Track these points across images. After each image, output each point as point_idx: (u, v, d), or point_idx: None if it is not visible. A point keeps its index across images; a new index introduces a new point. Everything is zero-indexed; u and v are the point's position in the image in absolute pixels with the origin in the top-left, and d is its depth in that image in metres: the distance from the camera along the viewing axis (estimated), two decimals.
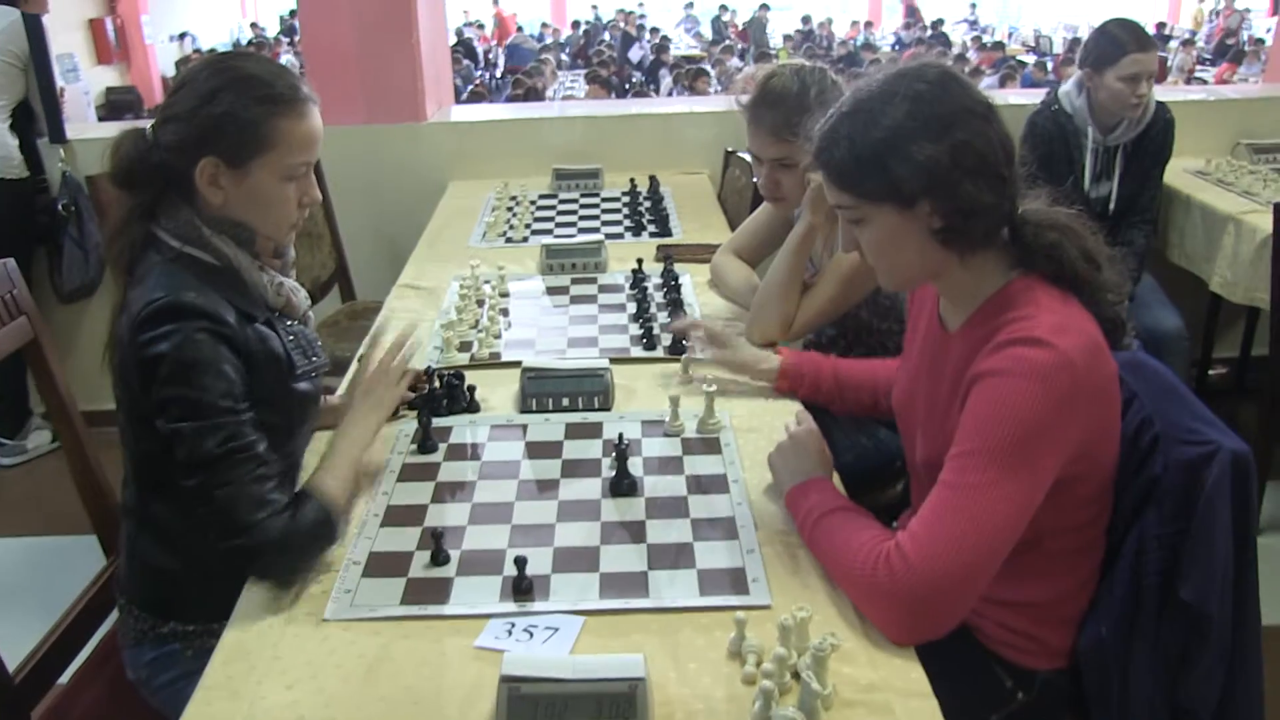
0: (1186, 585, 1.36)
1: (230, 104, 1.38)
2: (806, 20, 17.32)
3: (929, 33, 16.50)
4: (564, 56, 14.42)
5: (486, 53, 15.38)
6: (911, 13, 17.41)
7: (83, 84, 6.73)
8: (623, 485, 1.55)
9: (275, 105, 1.41)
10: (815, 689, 1.09)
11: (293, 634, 1.27)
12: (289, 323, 1.53)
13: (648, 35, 15.39)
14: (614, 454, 1.57)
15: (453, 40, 12.02)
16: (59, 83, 3.43)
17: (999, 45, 15.11)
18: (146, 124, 1.46)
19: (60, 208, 3.27)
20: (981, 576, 1.24)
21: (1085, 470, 1.35)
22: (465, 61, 11.98)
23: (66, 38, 10.57)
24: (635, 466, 1.59)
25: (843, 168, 1.33)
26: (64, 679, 1.63)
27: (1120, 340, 1.37)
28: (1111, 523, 1.45)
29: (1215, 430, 1.38)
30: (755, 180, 2.12)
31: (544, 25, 17.96)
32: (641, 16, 17.36)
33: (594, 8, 18.18)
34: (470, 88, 10.13)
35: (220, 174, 1.40)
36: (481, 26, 17.50)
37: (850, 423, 2.15)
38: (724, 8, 18.87)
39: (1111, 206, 3.07)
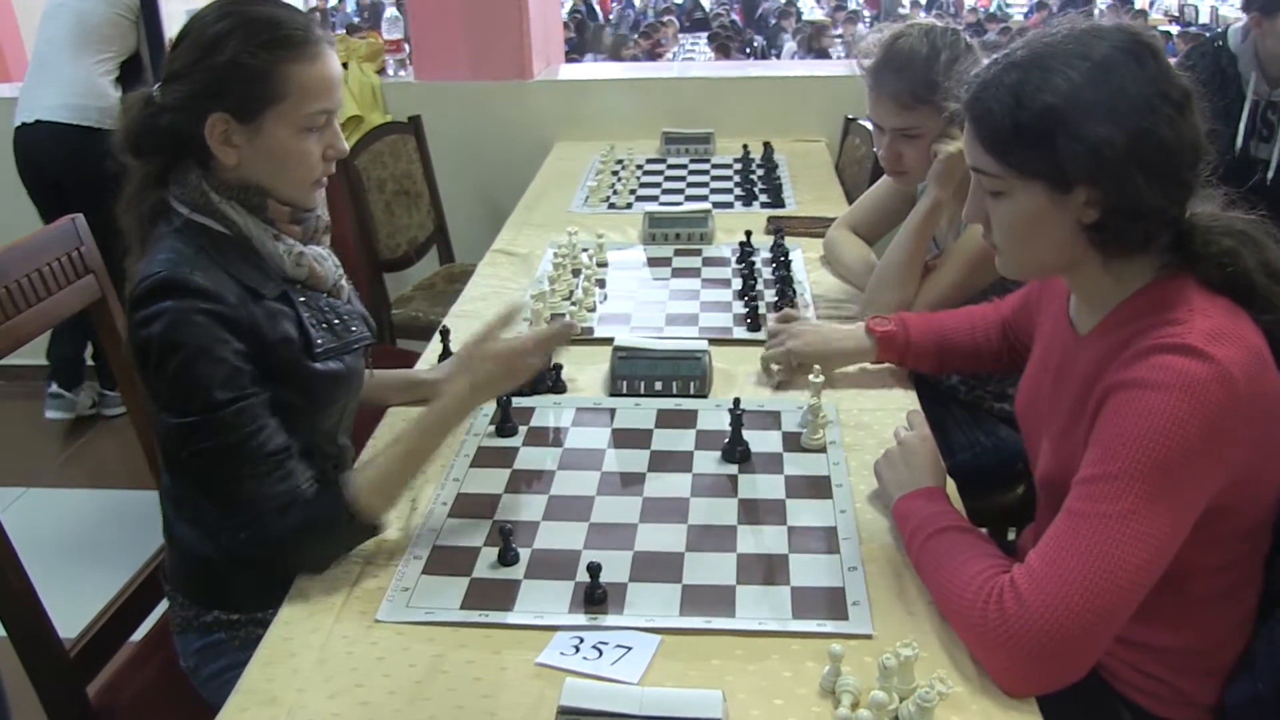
0: None
1: (235, 52, 1.24)
2: None
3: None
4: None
5: (608, 15, 15.21)
6: None
7: None
8: (736, 453, 1.47)
9: (284, 50, 1.26)
10: None
11: (341, 635, 1.16)
12: (314, 295, 1.38)
13: None
14: (730, 418, 1.47)
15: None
16: (169, 35, 3.39)
17: (1140, 14, 14.28)
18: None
19: None
20: (1111, 625, 1.04)
21: (1240, 502, 1.15)
22: (590, 24, 11.83)
23: None
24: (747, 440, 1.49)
25: (998, 128, 1.14)
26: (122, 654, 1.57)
27: None
28: (1272, 560, 1.25)
29: None
30: (876, 151, 1.93)
31: None
32: None
33: None
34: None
35: (232, 130, 1.26)
36: None
37: (968, 420, 1.97)
38: None
39: (1271, 173, 2.75)
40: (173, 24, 3.37)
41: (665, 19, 11.76)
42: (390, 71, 3.80)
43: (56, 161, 3.08)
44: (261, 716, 1.05)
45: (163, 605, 1.60)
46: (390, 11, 4.70)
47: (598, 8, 14.44)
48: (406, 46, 3.92)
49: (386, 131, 3.06)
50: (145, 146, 1.28)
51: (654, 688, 1.04)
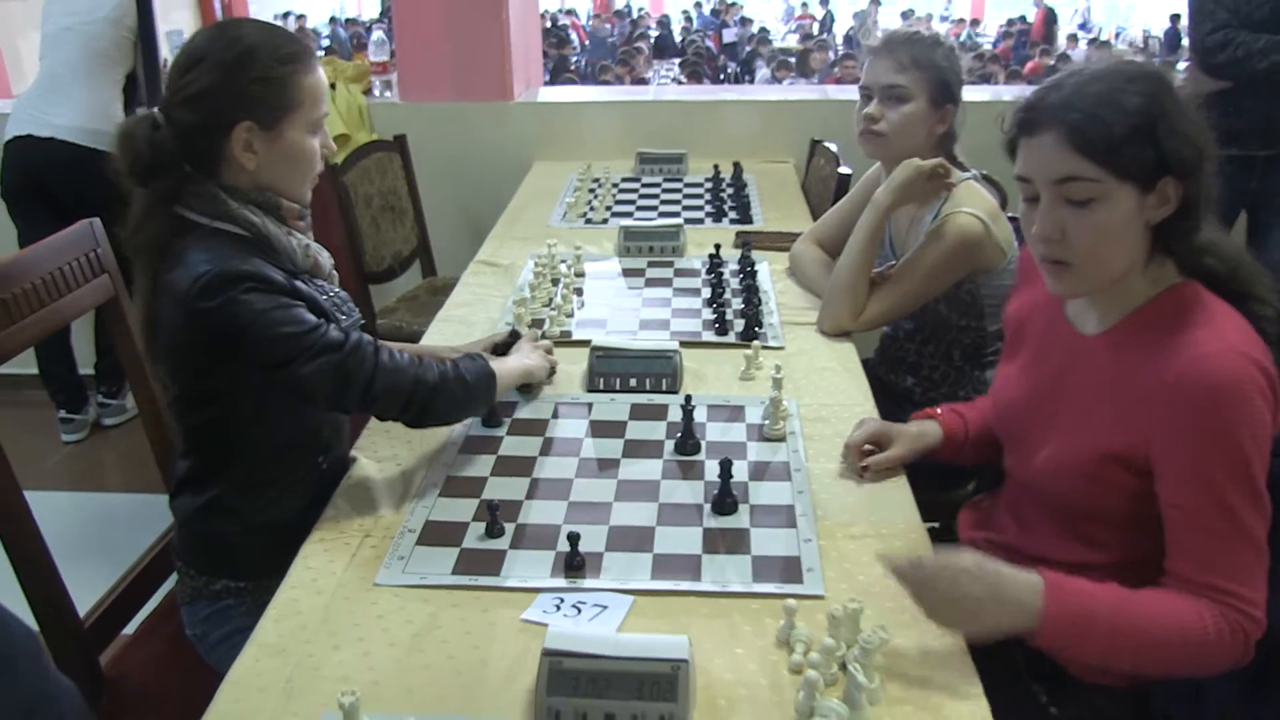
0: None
1: (260, 69, 1.38)
2: (907, 16, 17.03)
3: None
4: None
5: (583, 41, 15.45)
6: (1011, 21, 16.90)
7: None
8: (687, 445, 1.59)
9: (297, 62, 1.42)
10: (861, 681, 1.06)
11: (343, 597, 1.28)
12: (319, 283, 1.53)
13: (739, 23, 15.30)
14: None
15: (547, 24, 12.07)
16: (163, 54, 3.51)
17: (1105, 44, 14.64)
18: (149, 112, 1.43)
19: None
20: None
21: None
22: (563, 49, 12.03)
23: (177, 15, 10.85)
24: (708, 453, 1.58)
25: (1104, 130, 1.21)
26: (129, 630, 1.67)
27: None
28: None
29: None
30: (858, 114, 2.10)
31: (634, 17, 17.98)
32: (740, 7, 17.29)
33: (697, 4, 18.08)
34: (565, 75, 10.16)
35: (255, 138, 1.40)
36: (572, 13, 17.57)
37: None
38: (824, 0, 18.69)
39: None
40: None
41: (638, 45, 11.98)
42: (376, 92, 3.92)
43: (63, 179, 3.19)
44: (273, 665, 1.17)
45: (165, 586, 1.72)
46: (377, 34, 4.82)
47: (573, 34, 14.66)
48: (392, 68, 4.05)
49: (373, 149, 3.18)
50: (156, 169, 1.39)
51: (629, 634, 1.16)
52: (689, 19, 16.61)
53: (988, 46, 14.79)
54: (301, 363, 1.38)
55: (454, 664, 1.16)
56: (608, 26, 15.78)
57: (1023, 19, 16.83)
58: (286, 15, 14.52)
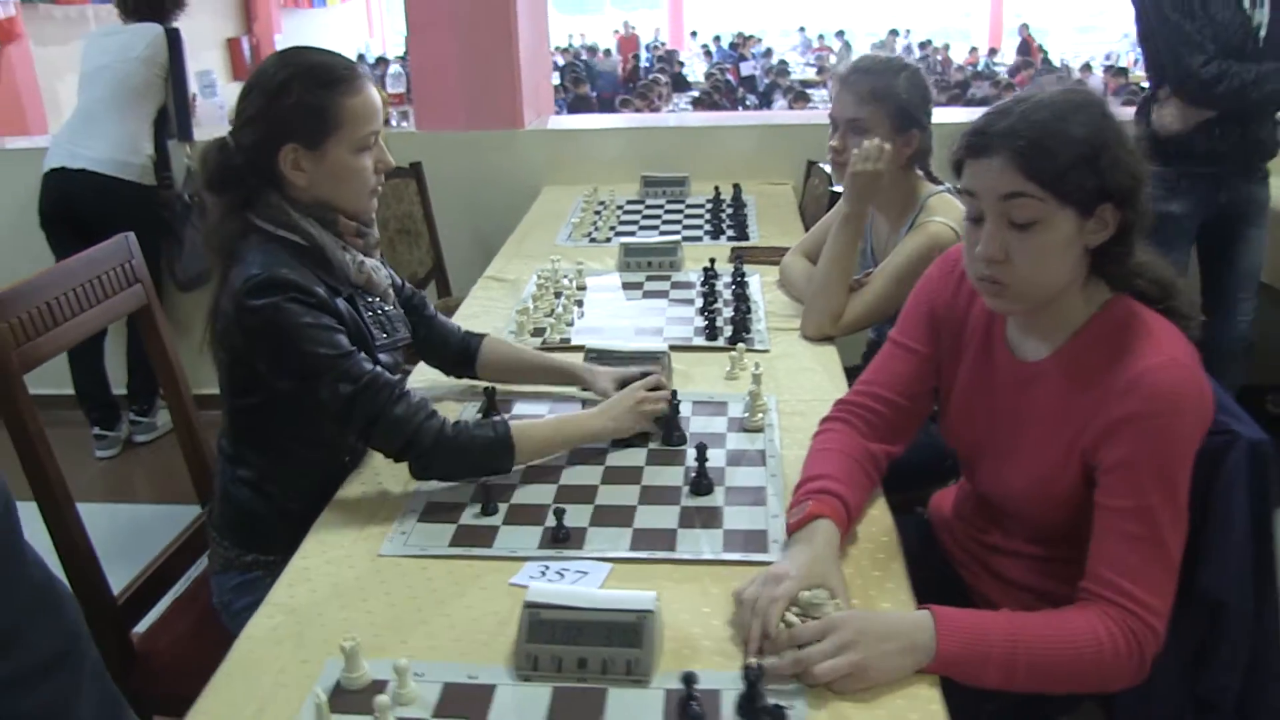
0: (1204, 573, 1.39)
1: (299, 95, 1.53)
2: (925, 45, 17.23)
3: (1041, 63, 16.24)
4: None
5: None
6: (1024, 49, 17.05)
7: (219, 99, 7.19)
8: (674, 437, 1.70)
9: (338, 86, 1.55)
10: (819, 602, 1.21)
11: (349, 566, 1.41)
12: (371, 299, 1.68)
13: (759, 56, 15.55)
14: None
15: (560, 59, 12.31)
16: (191, 90, 3.71)
17: (1122, 71, 14.76)
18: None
19: (188, 197, 3.56)
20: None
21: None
22: (579, 88, 12.27)
23: (206, 55, 11.22)
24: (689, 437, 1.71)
25: (1049, 156, 1.27)
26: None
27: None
28: None
29: (1237, 421, 1.40)
30: (829, 144, 2.21)
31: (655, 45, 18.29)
32: (758, 40, 17.57)
33: (716, 38, 18.39)
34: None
35: (301, 158, 1.55)
36: (594, 49, 17.89)
37: None
38: (840, 33, 18.94)
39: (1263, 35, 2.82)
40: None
41: (655, 76, 12.21)
42: (394, 123, 4.11)
43: (91, 206, 3.40)
44: (286, 622, 1.30)
45: (194, 571, 1.86)
46: (394, 68, 5.02)
47: (594, 62, 14.94)
48: (409, 100, 4.23)
49: (390, 176, 3.32)
50: (227, 183, 1.57)
51: (603, 590, 1.29)
52: (708, 52, 16.92)
53: (1004, 75, 14.95)
54: (320, 384, 1.51)
55: (448, 620, 1.29)
56: (616, 59, 16.07)
57: (1040, 47, 16.97)
58: None
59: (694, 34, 19.76)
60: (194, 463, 1.94)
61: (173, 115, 3.57)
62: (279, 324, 1.49)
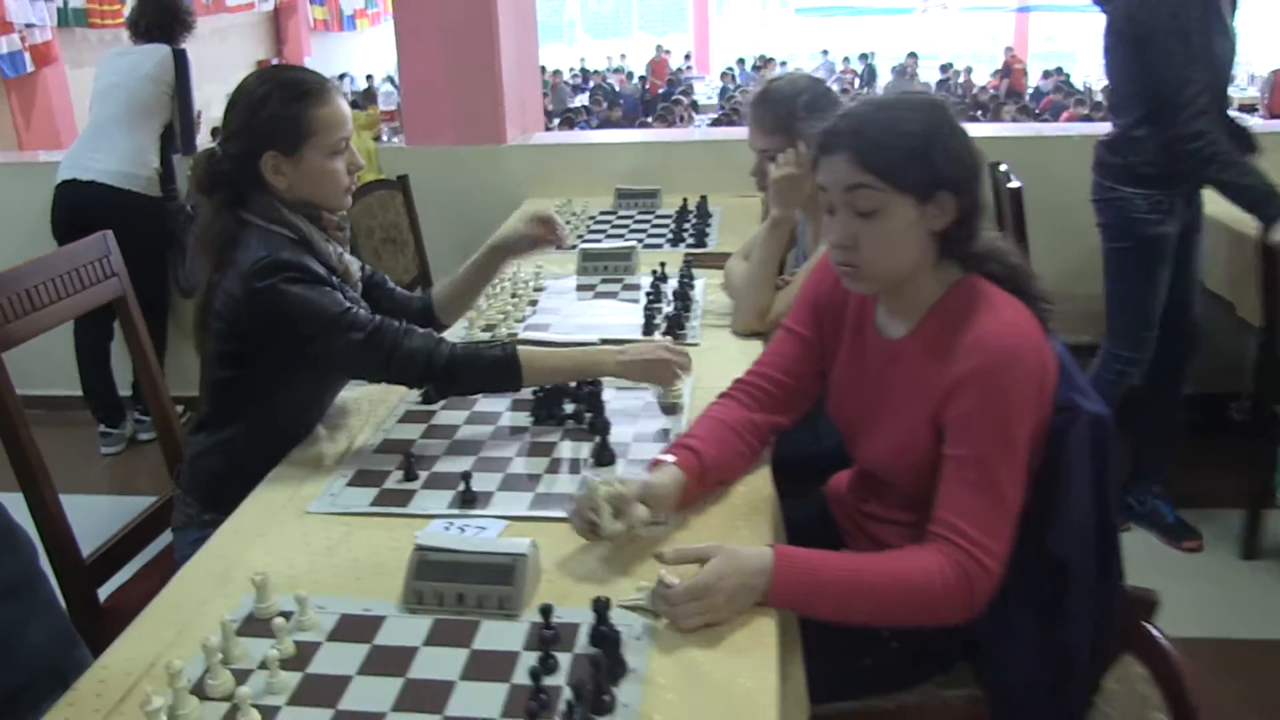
0: (1050, 535, 1.53)
1: (276, 108, 1.74)
2: (945, 69, 17.35)
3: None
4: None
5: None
6: (1048, 74, 17.11)
7: None
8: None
9: (309, 98, 1.76)
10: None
11: (279, 523, 1.59)
12: (345, 288, 1.87)
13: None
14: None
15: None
16: (196, 107, 3.94)
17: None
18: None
19: (190, 208, 3.78)
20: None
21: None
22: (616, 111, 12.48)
23: (238, 76, 11.56)
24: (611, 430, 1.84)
25: (885, 150, 1.43)
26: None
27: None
28: None
29: (1083, 397, 1.53)
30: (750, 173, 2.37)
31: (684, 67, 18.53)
32: (783, 63, 17.77)
33: (740, 60, 18.62)
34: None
35: (280, 163, 1.75)
36: (620, 71, 18.19)
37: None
38: (864, 56, 19.11)
39: None
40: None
41: (677, 98, 12.44)
42: (385, 138, 4.31)
43: (99, 216, 3.60)
44: (215, 564, 1.48)
45: (163, 539, 2.04)
46: (385, 87, 5.25)
47: (617, 86, 15.20)
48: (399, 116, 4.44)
49: (376, 187, 3.55)
50: (216, 186, 1.78)
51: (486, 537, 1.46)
52: (731, 75, 17.13)
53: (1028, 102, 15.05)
54: (335, 337, 1.71)
55: (356, 566, 1.47)
56: (637, 83, 16.34)
57: (1059, 70, 17.03)
58: (342, 76, 15.23)
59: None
60: (162, 423, 2.16)
61: (178, 131, 3.80)
62: (285, 298, 1.69)
